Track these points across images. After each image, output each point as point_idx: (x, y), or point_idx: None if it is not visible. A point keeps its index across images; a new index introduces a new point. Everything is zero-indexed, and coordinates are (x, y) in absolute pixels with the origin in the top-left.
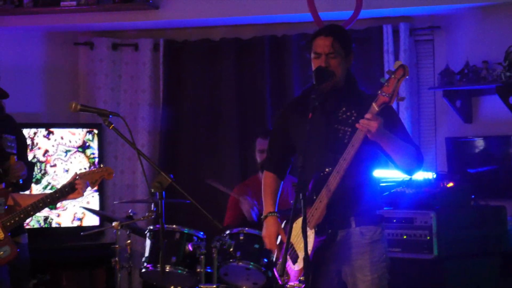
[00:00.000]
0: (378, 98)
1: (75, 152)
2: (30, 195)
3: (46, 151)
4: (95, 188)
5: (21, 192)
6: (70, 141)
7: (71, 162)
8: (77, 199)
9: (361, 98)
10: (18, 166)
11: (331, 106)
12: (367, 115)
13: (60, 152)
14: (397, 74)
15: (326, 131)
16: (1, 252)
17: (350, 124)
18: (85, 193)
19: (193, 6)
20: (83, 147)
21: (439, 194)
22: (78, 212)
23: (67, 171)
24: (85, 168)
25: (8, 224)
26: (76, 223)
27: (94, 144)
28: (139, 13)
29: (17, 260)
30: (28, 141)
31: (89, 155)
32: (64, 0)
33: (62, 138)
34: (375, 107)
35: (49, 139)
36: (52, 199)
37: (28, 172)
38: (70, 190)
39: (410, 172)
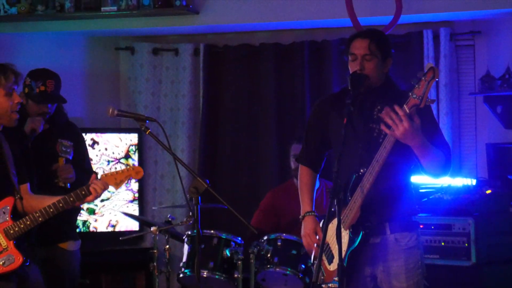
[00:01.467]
0: (409, 100)
1: (117, 162)
2: (51, 197)
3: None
4: (118, 188)
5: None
6: (113, 153)
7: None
8: (94, 201)
9: (395, 94)
10: (66, 169)
11: (366, 105)
12: (399, 113)
13: (103, 161)
14: (427, 77)
15: (361, 131)
16: (2, 261)
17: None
18: (102, 195)
19: (232, 11)
20: (126, 158)
21: (477, 200)
22: (113, 220)
23: None
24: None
25: (12, 232)
26: (110, 229)
27: (135, 156)
28: (179, 18)
29: (63, 266)
30: None
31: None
32: (105, 6)
33: (106, 149)
34: (406, 109)
35: (93, 148)
36: (66, 203)
37: (81, 177)
38: (87, 192)
39: (436, 176)
